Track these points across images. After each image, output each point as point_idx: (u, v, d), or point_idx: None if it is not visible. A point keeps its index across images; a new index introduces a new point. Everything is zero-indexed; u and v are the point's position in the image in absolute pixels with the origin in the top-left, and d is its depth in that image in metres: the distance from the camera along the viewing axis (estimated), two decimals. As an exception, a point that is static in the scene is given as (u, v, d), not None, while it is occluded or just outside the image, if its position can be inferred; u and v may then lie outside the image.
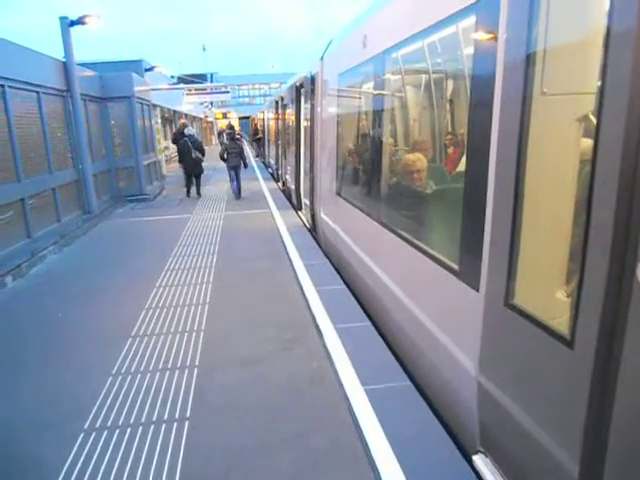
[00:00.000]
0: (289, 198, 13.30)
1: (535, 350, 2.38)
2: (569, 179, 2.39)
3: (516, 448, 2.58)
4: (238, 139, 14.40)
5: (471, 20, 3.06)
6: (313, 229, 9.52)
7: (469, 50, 3.17)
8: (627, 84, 1.79)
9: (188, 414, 3.61)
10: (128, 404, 3.76)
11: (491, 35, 2.80)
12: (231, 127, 17.19)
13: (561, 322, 2.23)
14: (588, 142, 2.25)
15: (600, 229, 1.91)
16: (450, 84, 4.21)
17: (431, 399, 3.73)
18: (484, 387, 2.85)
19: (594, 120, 2.09)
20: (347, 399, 3.63)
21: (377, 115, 5.32)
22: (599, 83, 1.95)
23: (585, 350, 2.00)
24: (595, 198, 1.94)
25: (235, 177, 13.81)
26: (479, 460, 2.90)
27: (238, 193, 13.90)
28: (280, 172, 16.72)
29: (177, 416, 3.59)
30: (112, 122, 14.05)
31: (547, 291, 2.52)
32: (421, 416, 3.38)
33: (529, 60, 2.42)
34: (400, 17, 4.56)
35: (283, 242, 8.41)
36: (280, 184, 16.30)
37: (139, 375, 4.18)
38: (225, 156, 13.83)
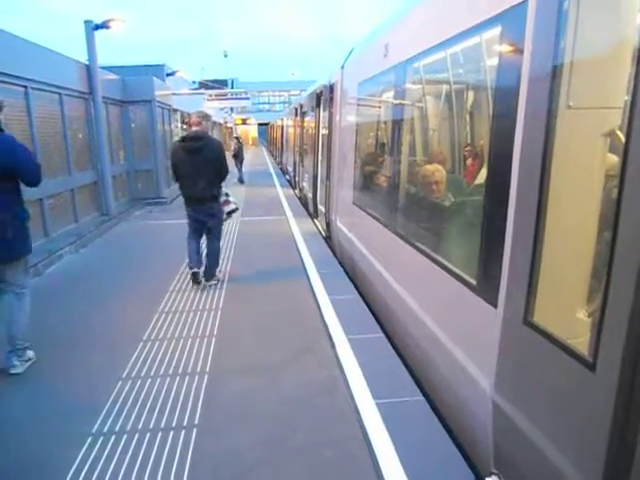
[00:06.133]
0: (305, 205, 13.28)
1: (554, 371, 2.31)
2: (594, 195, 2.33)
3: (532, 472, 2.50)
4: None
5: (496, 31, 3.01)
6: (329, 237, 9.48)
7: (493, 61, 3.12)
8: None
9: (197, 421, 3.57)
10: (137, 409, 3.73)
11: (516, 46, 2.74)
12: (237, 137, 23.12)
13: (583, 343, 2.15)
14: (614, 158, 2.19)
15: (628, 248, 1.84)
16: (472, 95, 4.16)
17: (444, 416, 3.65)
18: (500, 407, 2.78)
19: (621, 135, 2.03)
20: (358, 412, 3.57)
21: (396, 125, 5.28)
22: (629, 98, 1.88)
23: (608, 373, 1.92)
24: (623, 215, 1.87)
25: (241, 167, 19.89)
26: (492, 482, 2.82)
27: (241, 180, 19.33)
28: (297, 179, 16.73)
29: (186, 423, 3.55)
30: (132, 125, 14.18)
31: (569, 310, 2.44)
32: (433, 433, 3.31)
33: (555, 72, 2.36)
34: (422, 27, 4.52)
35: (298, 249, 8.38)
36: (297, 191, 16.30)
37: (149, 380, 4.15)
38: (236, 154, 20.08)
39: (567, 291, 2.50)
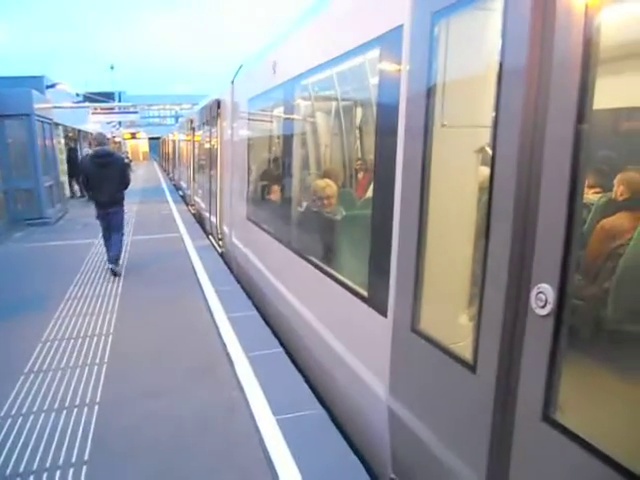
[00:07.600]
0: (200, 222, 13.03)
1: (441, 375, 2.43)
2: (469, 207, 2.49)
3: (426, 473, 2.60)
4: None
5: (377, 52, 3.14)
6: (224, 254, 9.36)
7: (375, 81, 3.26)
8: (518, 118, 1.89)
9: (86, 457, 3.34)
10: (18, 450, 3.42)
11: (394, 68, 2.88)
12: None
13: (464, 347, 2.29)
14: (486, 172, 2.36)
15: (497, 255, 1.98)
16: (360, 112, 4.31)
17: (344, 426, 3.71)
18: (394, 412, 2.87)
19: (489, 151, 2.19)
20: (258, 431, 3.53)
21: (287, 140, 5.34)
22: (493, 116, 2.04)
23: (487, 374, 2.05)
24: (493, 226, 2.02)
25: None
26: (390, 487, 2.90)
27: None
28: (190, 194, 16.38)
29: (74, 460, 3.31)
30: (9, 141, 13.18)
31: (450, 317, 2.59)
32: (334, 445, 3.34)
33: (429, 93, 2.50)
34: (309, 46, 4.62)
35: (193, 267, 8.18)
36: (191, 207, 15.95)
37: (32, 416, 3.83)
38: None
39: (449, 299, 2.65)
